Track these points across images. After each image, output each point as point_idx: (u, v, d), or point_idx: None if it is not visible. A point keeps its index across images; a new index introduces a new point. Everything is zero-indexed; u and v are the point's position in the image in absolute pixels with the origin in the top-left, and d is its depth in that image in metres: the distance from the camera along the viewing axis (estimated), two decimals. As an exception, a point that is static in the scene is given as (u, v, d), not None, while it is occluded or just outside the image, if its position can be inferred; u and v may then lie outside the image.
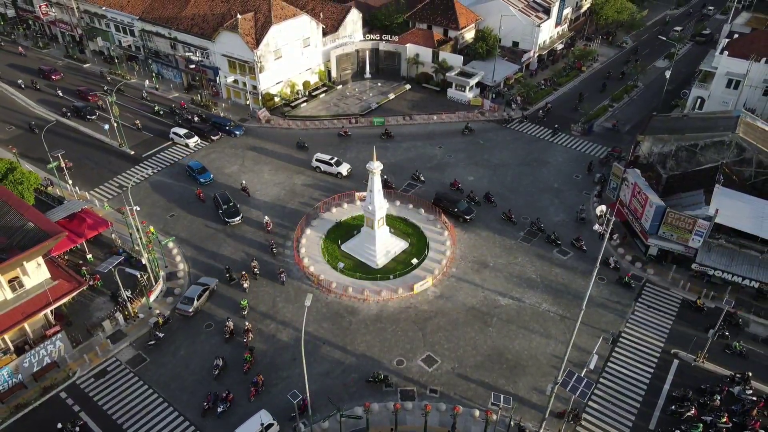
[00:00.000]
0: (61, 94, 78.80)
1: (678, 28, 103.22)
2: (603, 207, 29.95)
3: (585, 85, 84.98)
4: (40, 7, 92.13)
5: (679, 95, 79.10)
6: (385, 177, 61.08)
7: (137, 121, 72.47)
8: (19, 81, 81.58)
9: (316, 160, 64.24)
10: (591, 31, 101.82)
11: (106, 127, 69.24)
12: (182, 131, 69.05)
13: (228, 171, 65.17)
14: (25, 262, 40.31)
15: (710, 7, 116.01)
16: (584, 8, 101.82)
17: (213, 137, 69.51)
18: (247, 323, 45.44)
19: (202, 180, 61.49)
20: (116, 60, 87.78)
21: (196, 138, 69.00)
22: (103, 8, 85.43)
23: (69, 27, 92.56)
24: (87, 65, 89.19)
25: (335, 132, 72.51)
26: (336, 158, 64.09)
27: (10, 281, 40.68)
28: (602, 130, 74.26)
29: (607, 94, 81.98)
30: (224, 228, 56.45)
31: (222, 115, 75.01)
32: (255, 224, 57.07)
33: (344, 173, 63.12)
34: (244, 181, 61.94)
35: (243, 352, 43.46)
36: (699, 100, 71.68)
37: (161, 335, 44.83)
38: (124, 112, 72.72)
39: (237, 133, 71.00)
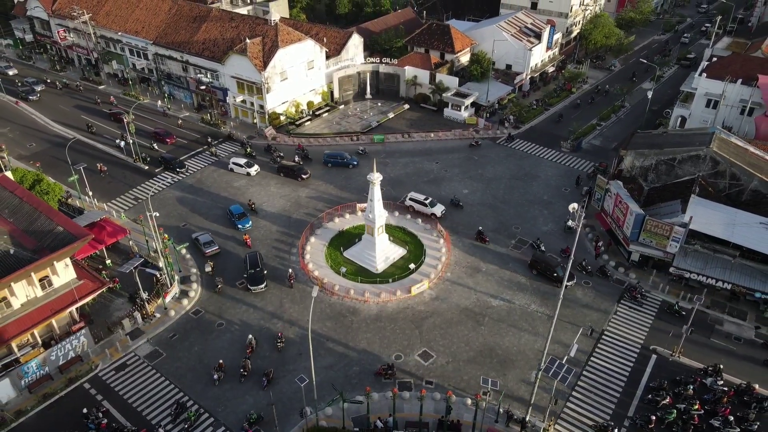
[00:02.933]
0: (157, 148, 75.27)
1: (656, 57, 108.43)
2: (575, 204, 33.89)
3: (574, 106, 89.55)
4: (58, 32, 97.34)
5: (662, 115, 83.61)
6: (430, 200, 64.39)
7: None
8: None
9: (410, 199, 63.54)
10: (581, 55, 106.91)
11: (122, 144, 73.60)
12: (242, 161, 70.24)
13: (236, 185, 69.18)
14: (55, 262, 44.03)
15: (686, 35, 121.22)
16: (574, 33, 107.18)
17: (303, 176, 69.16)
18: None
19: (239, 226, 60.29)
20: (130, 82, 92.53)
21: (256, 167, 70.22)
22: (119, 33, 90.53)
23: (85, 51, 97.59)
24: (102, 87, 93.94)
25: (338, 149, 76.73)
26: (431, 199, 63.46)
27: (40, 280, 44.33)
28: (590, 146, 78.53)
29: (595, 112, 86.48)
30: (234, 235, 60.26)
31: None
32: (264, 231, 60.88)
33: (438, 215, 62.11)
34: (251, 199, 65.63)
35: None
36: (681, 119, 76.10)
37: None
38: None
39: (354, 163, 71.98)
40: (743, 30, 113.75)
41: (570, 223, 36.19)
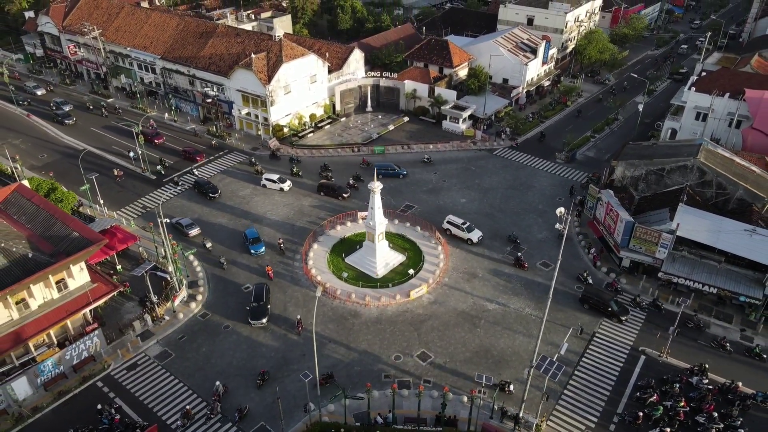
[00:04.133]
0: (162, 171, 74.91)
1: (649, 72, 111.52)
2: (562, 209, 36.18)
3: (568, 119, 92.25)
4: (69, 47, 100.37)
5: (654, 127, 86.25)
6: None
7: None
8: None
9: (448, 222, 63.66)
10: (576, 69, 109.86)
11: (132, 154, 76.19)
12: (275, 177, 71.72)
13: (242, 194, 71.59)
14: (71, 265, 46.28)
15: (684, 46, 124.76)
16: (569, 49, 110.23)
17: (344, 195, 69.63)
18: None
19: (252, 251, 60.07)
20: (138, 95, 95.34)
21: (289, 182, 71.60)
22: (128, 49, 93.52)
23: (95, 65, 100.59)
24: (110, 100, 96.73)
25: (339, 160, 79.29)
26: (468, 224, 63.28)
27: (57, 282, 46.55)
28: (584, 158, 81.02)
29: (588, 124, 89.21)
30: (241, 239, 62.56)
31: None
32: (269, 238, 63.08)
33: (474, 240, 61.98)
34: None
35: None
36: (671, 131, 78.63)
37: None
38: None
39: (403, 173, 74.58)
40: (735, 45, 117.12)
41: (558, 226, 38.34)
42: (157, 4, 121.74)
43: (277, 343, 50.39)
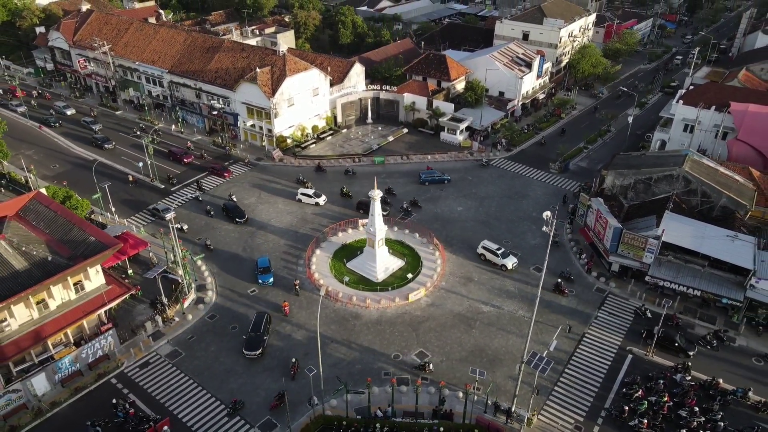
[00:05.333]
0: (200, 197, 74.68)
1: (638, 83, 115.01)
2: (548, 213, 38.93)
3: (559, 133, 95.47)
4: (79, 62, 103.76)
5: (644, 138, 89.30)
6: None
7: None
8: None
9: (483, 247, 63.49)
10: (570, 83, 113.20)
11: (140, 164, 79.15)
12: (310, 191, 73.20)
13: (247, 202, 74.37)
14: (88, 268, 48.97)
15: (679, 57, 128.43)
16: (564, 63, 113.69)
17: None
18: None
19: (260, 281, 59.48)
20: (146, 108, 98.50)
21: (323, 197, 73.09)
22: (137, 63, 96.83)
23: (104, 79, 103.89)
24: (119, 112, 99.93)
25: (339, 170, 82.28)
26: (503, 249, 63.07)
27: (75, 284, 49.21)
28: (577, 168, 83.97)
29: (580, 135, 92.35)
30: (244, 244, 65.24)
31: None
32: (273, 245, 65.86)
33: (509, 267, 61.60)
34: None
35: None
36: (660, 143, 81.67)
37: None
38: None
39: (447, 179, 78.12)
40: (725, 60, 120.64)
41: (545, 228, 41.04)
42: (164, 20, 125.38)
43: (282, 343, 52.88)
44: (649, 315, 55.78)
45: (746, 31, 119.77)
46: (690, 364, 49.50)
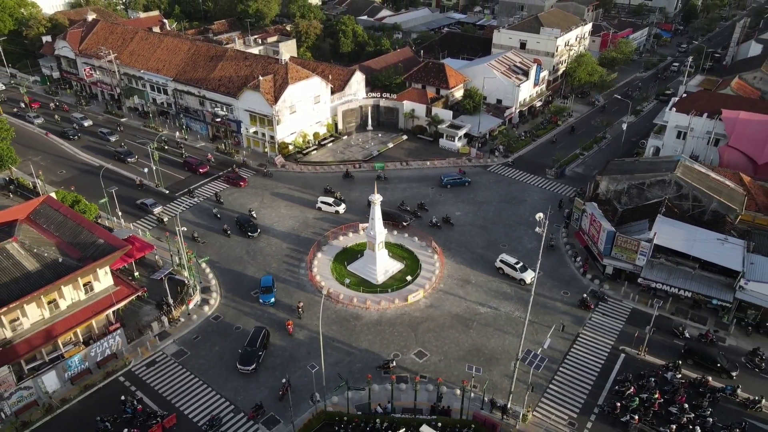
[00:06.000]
0: (218, 215, 73.61)
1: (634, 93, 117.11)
2: (540, 214, 40.60)
3: (559, 136, 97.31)
4: (85, 70, 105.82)
5: (639, 145, 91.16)
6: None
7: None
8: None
9: (501, 261, 63.52)
10: (567, 91, 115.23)
11: (146, 170, 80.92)
12: (330, 200, 74.20)
13: (250, 206, 76.02)
14: (98, 269, 50.60)
15: (675, 64, 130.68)
16: (560, 71, 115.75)
17: (404, 223, 70.71)
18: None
19: (262, 301, 58.89)
20: (150, 115, 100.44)
21: (343, 206, 74.15)
22: (142, 71, 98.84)
23: (109, 87, 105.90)
24: (124, 119, 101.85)
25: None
26: (521, 263, 62.81)
27: (84, 285, 50.82)
28: (573, 173, 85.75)
29: (576, 141, 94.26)
30: (247, 248, 66.88)
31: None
32: (275, 248, 67.50)
33: (527, 281, 61.26)
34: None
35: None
36: (654, 149, 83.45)
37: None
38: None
39: (468, 182, 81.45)
40: (719, 68, 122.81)
41: (537, 229, 42.65)
42: (168, 29, 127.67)
43: (285, 343, 54.42)
44: (687, 335, 54.70)
45: (740, 40, 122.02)
46: (680, 362, 50.96)
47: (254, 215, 73.02)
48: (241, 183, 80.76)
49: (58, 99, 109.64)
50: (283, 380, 48.96)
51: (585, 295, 59.50)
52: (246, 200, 77.51)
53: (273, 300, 59.00)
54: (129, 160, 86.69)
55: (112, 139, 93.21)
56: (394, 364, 51.22)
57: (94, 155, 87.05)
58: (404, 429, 36.17)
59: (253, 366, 50.34)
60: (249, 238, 69.06)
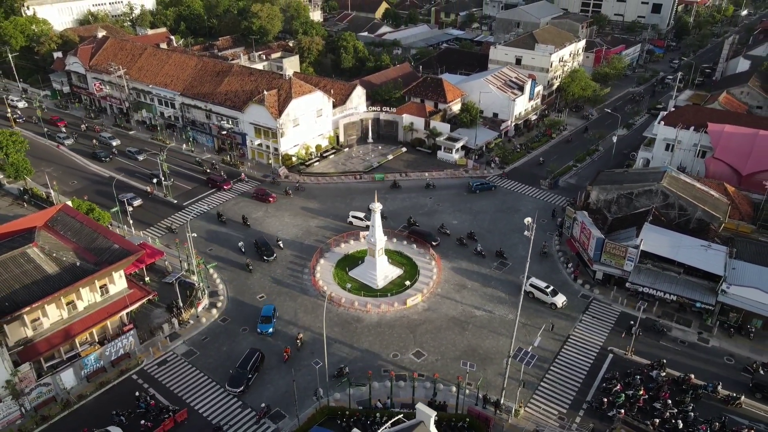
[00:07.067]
0: (243, 248, 71.44)
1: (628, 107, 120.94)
2: (529, 219, 43.63)
3: (553, 149, 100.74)
4: (95, 85, 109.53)
5: (630, 157, 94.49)
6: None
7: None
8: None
9: (531, 285, 62.72)
10: (561, 105, 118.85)
11: (155, 180, 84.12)
12: (361, 214, 75.82)
13: (255, 216, 79.16)
14: (113, 272, 53.54)
15: (669, 77, 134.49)
16: (555, 86, 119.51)
17: (434, 243, 71.48)
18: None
19: (259, 330, 58.07)
20: (158, 128, 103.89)
21: (364, 216, 75.91)
22: (150, 86, 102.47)
23: (118, 101, 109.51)
24: (132, 132, 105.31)
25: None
26: (552, 287, 62.57)
27: (101, 287, 53.71)
28: (566, 184, 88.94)
29: (570, 154, 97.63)
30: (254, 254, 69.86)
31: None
32: (280, 255, 70.39)
33: (559, 305, 61.09)
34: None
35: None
36: (644, 161, 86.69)
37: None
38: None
39: (494, 186, 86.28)
40: (710, 83, 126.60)
41: (526, 233, 45.58)
42: (175, 45, 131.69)
43: (288, 343, 57.16)
44: (761, 371, 53.38)
45: (728, 56, 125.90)
46: (665, 361, 53.72)
47: (281, 245, 71.61)
48: (270, 199, 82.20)
49: (88, 119, 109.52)
50: (262, 405, 49.48)
51: (633, 324, 57.85)
52: (250, 210, 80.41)
53: (271, 330, 58.08)
54: (165, 182, 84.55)
55: (140, 158, 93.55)
56: (347, 370, 52.52)
57: (127, 176, 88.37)
58: (402, 414, 38.81)
59: (241, 389, 50.70)
60: (265, 262, 69.13)
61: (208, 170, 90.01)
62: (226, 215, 78.23)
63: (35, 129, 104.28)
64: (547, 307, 62.04)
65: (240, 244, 71.59)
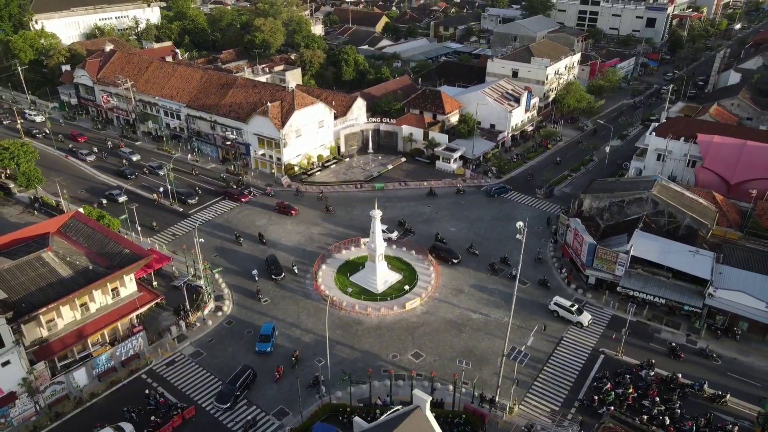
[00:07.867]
0: (256, 277, 69.44)
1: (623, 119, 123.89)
2: (521, 222, 46.01)
3: (548, 159, 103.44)
4: (102, 97, 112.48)
5: (623, 167, 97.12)
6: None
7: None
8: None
9: (555, 304, 63.03)
10: (557, 116, 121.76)
11: (161, 189, 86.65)
12: (384, 227, 72.06)
13: (258, 224, 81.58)
14: (124, 275, 55.87)
15: (664, 88, 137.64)
16: (550, 98, 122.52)
17: (454, 260, 71.79)
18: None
19: (257, 349, 57.83)
20: (164, 139, 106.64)
21: (396, 232, 76.27)
22: (157, 98, 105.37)
23: (125, 112, 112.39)
24: (138, 143, 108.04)
25: (342, 195, 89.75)
26: (577, 306, 62.53)
27: (112, 290, 56.01)
28: (561, 193, 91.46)
29: (565, 164, 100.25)
30: (257, 261, 72.07)
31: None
32: (282, 261, 72.62)
33: (585, 324, 60.86)
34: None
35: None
36: (637, 170, 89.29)
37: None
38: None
39: (510, 189, 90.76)
40: (702, 95, 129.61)
41: (518, 236, 47.96)
42: (180, 58, 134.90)
43: (293, 345, 59.33)
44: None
45: (720, 69, 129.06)
46: (654, 361, 55.88)
47: (296, 270, 70.40)
48: (292, 212, 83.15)
49: (111, 137, 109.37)
50: (248, 417, 50.59)
51: (673, 345, 58.12)
52: (254, 217, 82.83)
53: (270, 350, 57.89)
54: (190, 201, 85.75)
55: (161, 173, 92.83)
56: (322, 377, 53.07)
57: (149, 192, 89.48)
58: (400, 406, 40.71)
59: (228, 405, 51.02)
60: (273, 281, 69.00)
61: (234, 185, 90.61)
62: (242, 234, 77.88)
63: (49, 143, 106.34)
64: (541, 311, 64.22)
65: (254, 272, 69.67)
